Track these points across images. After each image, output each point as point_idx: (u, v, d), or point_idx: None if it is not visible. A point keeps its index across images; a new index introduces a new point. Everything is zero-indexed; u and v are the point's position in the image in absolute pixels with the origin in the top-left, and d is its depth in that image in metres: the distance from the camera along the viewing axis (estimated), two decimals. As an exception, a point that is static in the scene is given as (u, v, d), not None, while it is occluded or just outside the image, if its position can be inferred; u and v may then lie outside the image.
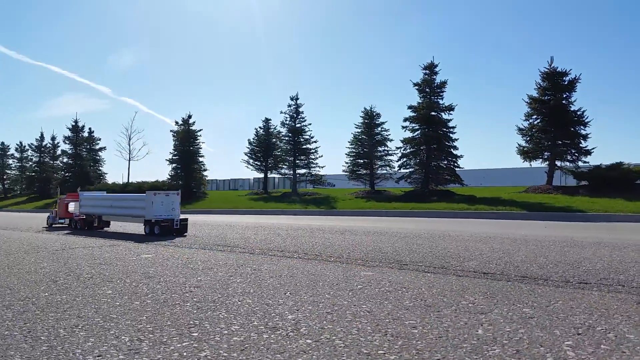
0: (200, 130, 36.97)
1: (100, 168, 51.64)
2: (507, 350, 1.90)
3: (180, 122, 37.23)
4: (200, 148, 37.08)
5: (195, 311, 2.64)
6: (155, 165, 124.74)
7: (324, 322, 2.35)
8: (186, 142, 36.21)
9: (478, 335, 2.12)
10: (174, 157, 36.91)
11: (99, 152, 51.23)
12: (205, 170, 37.54)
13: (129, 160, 43.87)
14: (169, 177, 37.18)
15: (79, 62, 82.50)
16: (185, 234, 7.88)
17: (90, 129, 50.19)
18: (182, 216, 8.28)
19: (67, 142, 47.19)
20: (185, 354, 1.93)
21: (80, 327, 2.36)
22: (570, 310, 2.57)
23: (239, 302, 2.80)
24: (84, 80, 77.69)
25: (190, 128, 36.74)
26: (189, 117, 36.69)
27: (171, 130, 37.47)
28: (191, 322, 2.42)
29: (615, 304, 2.71)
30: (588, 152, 24.87)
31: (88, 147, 50.34)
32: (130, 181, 43.92)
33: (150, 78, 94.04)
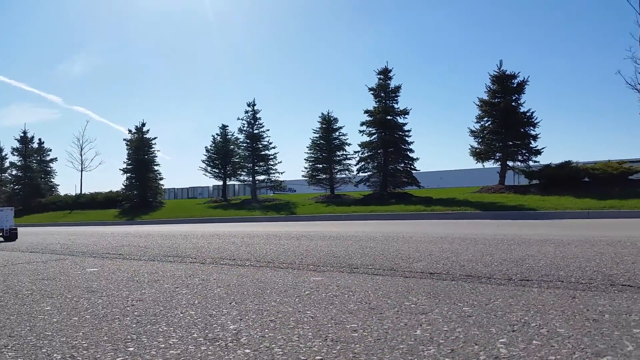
0: (155, 138, 36.22)
1: (52, 180, 49.89)
2: (442, 350, 1.93)
3: (133, 131, 36.38)
4: (156, 156, 36.34)
5: (134, 325, 2.56)
6: (110, 175, 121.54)
7: (266, 330, 2.33)
8: (140, 150, 35.41)
9: (416, 336, 2.14)
10: (128, 167, 36.00)
11: (50, 164, 49.51)
12: (161, 179, 36.78)
13: (82, 171, 42.63)
14: (124, 187, 36.24)
15: (27, 70, 79.60)
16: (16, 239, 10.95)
17: (40, 139, 48.40)
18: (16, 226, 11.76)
19: (16, 153, 45.34)
20: (117, 370, 1.87)
21: (10, 347, 2.25)
22: (509, 307, 2.64)
23: (181, 314, 2.74)
24: (33, 90, 75.04)
25: (144, 136, 35.96)
26: (143, 125, 35.91)
27: (124, 139, 36.56)
28: (128, 336, 2.35)
29: (552, 300, 2.80)
30: (538, 152, 25.80)
31: (38, 158, 48.56)
32: (83, 192, 42.61)
33: (102, 86, 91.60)
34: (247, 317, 2.59)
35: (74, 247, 8.16)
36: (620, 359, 1.78)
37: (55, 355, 2.10)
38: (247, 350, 2.03)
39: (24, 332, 2.51)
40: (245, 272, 4.31)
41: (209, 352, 2.03)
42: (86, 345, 2.24)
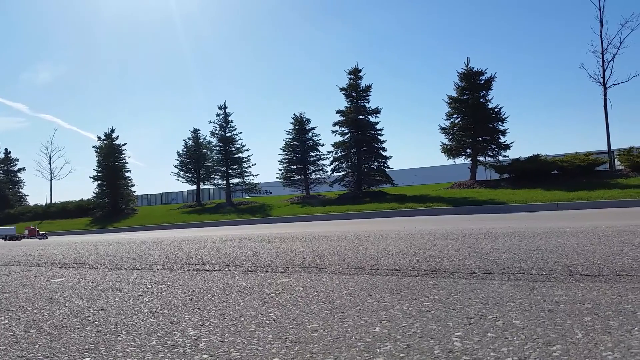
0: (125, 144, 35.75)
1: (20, 190, 48.76)
2: (399, 346, 1.95)
3: (102, 137, 35.74)
4: (126, 163, 35.89)
5: (93, 335, 2.51)
6: (80, 183, 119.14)
7: (226, 334, 2.31)
8: (110, 157, 34.85)
9: (374, 333, 2.15)
10: (98, 174, 35.36)
11: (18, 174, 48.38)
12: (132, 185, 36.32)
13: (51, 180, 41.77)
14: (94, 194, 35.57)
15: (-10, 78, 77.37)
16: None
17: (6, 149, 47.25)
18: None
19: (-19, 164, 44.06)
20: (70, 383, 1.83)
21: (-41, 365, 2.18)
22: (468, 301, 2.68)
23: (142, 322, 2.70)
24: (-3, 98, 73.05)
25: (114, 142, 35.39)
26: (112, 131, 35.35)
27: (94, 146, 35.93)
28: (86, 346, 2.30)
29: (511, 292, 2.86)
30: (507, 147, 26.32)
31: (5, 168, 47.35)
32: (53, 202, 41.72)
33: (69, 92, 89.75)
34: (208, 323, 2.57)
35: (40, 258, 7.96)
36: (569, 347, 1.82)
37: (7, 370, 2.05)
38: (205, 356, 2.01)
39: (-24, 348, 2.44)
40: (213, 277, 4.27)
41: (166, 359, 2.00)
42: (41, 357, 2.18)
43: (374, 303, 2.77)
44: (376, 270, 3.98)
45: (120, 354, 2.14)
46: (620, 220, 8.60)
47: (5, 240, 19.12)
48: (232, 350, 2.06)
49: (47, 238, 20.03)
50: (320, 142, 32.97)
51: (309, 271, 4.23)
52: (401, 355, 1.84)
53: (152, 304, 3.24)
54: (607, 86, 24.35)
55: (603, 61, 24.41)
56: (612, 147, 24.78)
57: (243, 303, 3.02)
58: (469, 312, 2.43)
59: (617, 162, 24.36)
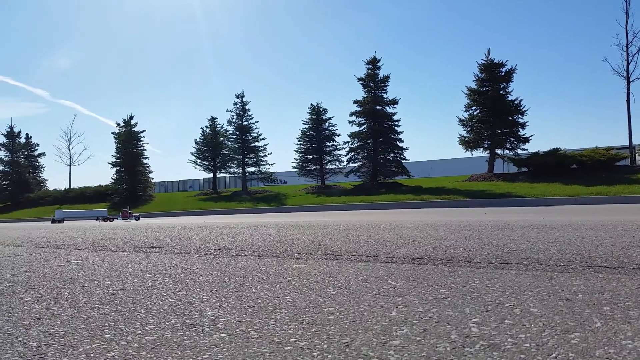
0: (143, 131, 36.09)
1: (40, 175, 49.56)
2: (415, 330, 1.95)
3: (121, 124, 36.13)
4: (144, 150, 36.27)
5: (113, 313, 2.56)
6: (98, 169, 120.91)
7: (244, 315, 2.34)
8: (129, 144, 35.24)
9: (391, 317, 2.16)
10: (116, 160, 35.80)
11: (38, 159, 49.16)
12: (150, 172, 36.71)
13: (70, 166, 42.48)
14: (113, 180, 36.06)
15: (12, 64, 78.59)
16: None
17: (27, 134, 48.04)
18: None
19: (3, 149, 44.92)
20: (93, 355, 1.87)
21: (-15, 337, 2.24)
22: (485, 289, 2.67)
23: (161, 302, 2.74)
24: (19, 84, 74.23)
25: (133, 129, 35.76)
26: (131, 118, 35.70)
27: (112, 133, 36.35)
28: (106, 324, 2.35)
29: (528, 281, 2.84)
30: (526, 140, 25.99)
31: (26, 153, 48.15)
32: (72, 187, 42.36)
33: (89, 79, 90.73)
34: (226, 304, 2.60)
35: (60, 241, 8.12)
36: (587, 335, 1.81)
37: (30, 343, 2.10)
38: (223, 335, 2.04)
39: (1, 322, 2.50)
40: (229, 261, 4.32)
41: (185, 337, 2.04)
42: (63, 333, 2.23)
43: (390, 289, 2.77)
44: (392, 258, 3.98)
45: (140, 332, 2.18)
46: (641, 216, 8.46)
47: (99, 222, 19.75)
48: (249, 330, 2.09)
49: (139, 219, 20.91)
50: (337, 132, 32.97)
51: (324, 258, 4.25)
52: (418, 338, 1.85)
53: (171, 285, 3.29)
54: (630, 80, 23.89)
55: (627, 54, 23.93)
56: (634, 142, 24.32)
57: (260, 286, 3.05)
58: (486, 299, 2.42)
59: (638, 158, 23.92)
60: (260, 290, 2.92)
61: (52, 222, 19.32)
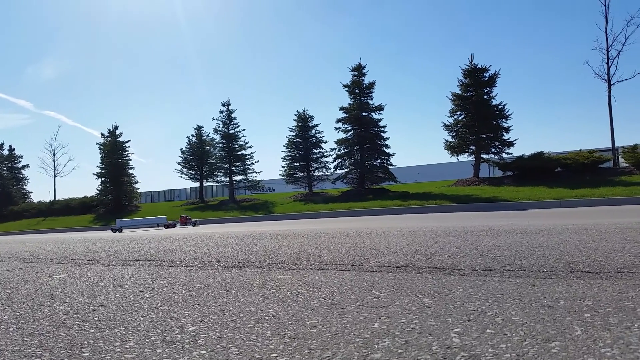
0: (129, 141, 35.81)
1: (24, 187, 48.85)
2: (397, 342, 1.94)
3: (106, 134, 35.81)
4: (130, 160, 35.89)
5: (93, 330, 2.52)
6: (84, 180, 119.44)
7: (225, 330, 2.31)
8: (114, 154, 34.94)
9: (373, 329, 2.15)
10: (102, 171, 35.46)
11: (22, 170, 48.48)
12: (136, 182, 36.36)
13: (55, 177, 41.90)
14: (98, 191, 35.69)
15: (-6, 75, 77.57)
16: None
17: (10, 146, 47.38)
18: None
19: (-14, 162, 44.24)
20: (68, 377, 1.83)
21: (-42, 360, 2.18)
22: (468, 297, 2.67)
23: (142, 318, 2.70)
24: (2, 95, 73.29)
25: (117, 139, 35.48)
26: (116, 128, 35.41)
27: (97, 143, 36.01)
28: (85, 342, 2.31)
29: (511, 289, 2.85)
30: (511, 144, 26.22)
31: (9, 165, 47.45)
32: (57, 199, 41.84)
33: (74, 89, 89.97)
34: (208, 319, 2.57)
35: (43, 255, 7.99)
36: (568, 344, 1.81)
37: (6, 365, 2.05)
38: (203, 352, 2.01)
39: (-24, 343, 2.44)
40: (214, 273, 4.28)
41: (164, 355, 2.00)
42: (40, 352, 2.19)
43: (374, 299, 2.76)
44: (377, 267, 3.97)
45: (119, 350, 2.14)
46: (623, 218, 8.56)
47: (165, 228, 19.93)
48: (230, 346, 2.06)
49: (197, 225, 21.11)
50: (324, 139, 32.96)
51: (309, 268, 4.23)
52: (399, 351, 1.84)
53: (153, 300, 3.24)
54: (611, 83, 24.22)
55: (608, 58, 24.27)
56: (616, 144, 24.67)
57: (243, 299, 3.02)
58: (469, 308, 2.42)
59: (621, 160, 24.25)
60: (244, 303, 2.89)
61: (112, 232, 19.28)
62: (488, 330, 2.03)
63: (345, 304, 2.70)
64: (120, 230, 20.40)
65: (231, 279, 3.88)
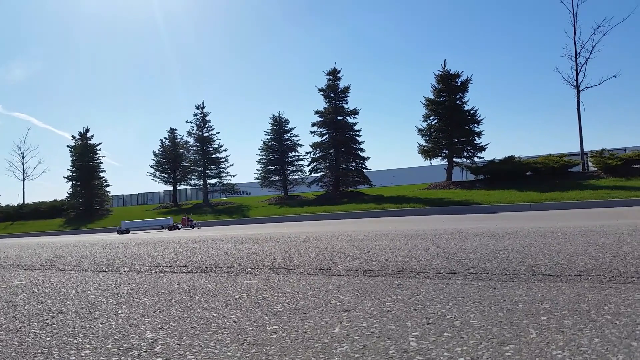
0: (100, 144, 35.14)
1: (-8, 190, 47.39)
2: (355, 346, 1.94)
3: (77, 137, 35.11)
4: (101, 163, 35.28)
5: (49, 338, 2.45)
6: (54, 183, 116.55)
7: (184, 337, 2.28)
8: (85, 157, 34.26)
9: (333, 334, 2.15)
10: (72, 174, 34.72)
11: (-11, 174, 47.03)
12: (107, 185, 35.74)
13: (24, 180, 40.89)
14: (68, 195, 34.92)
15: (-40, 76, 75.34)
16: None
17: (-24, 149, 45.87)
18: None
19: (-50, 164, 42.89)
20: (17, 388, 1.78)
21: None
22: (430, 300, 2.69)
23: (101, 325, 2.64)
24: (-33, 96, 71.16)
25: (89, 142, 34.83)
26: (87, 130, 34.76)
27: (68, 146, 35.26)
28: (39, 350, 2.24)
29: (472, 292, 2.88)
30: (482, 148, 26.65)
31: (-25, 168, 46.07)
32: (26, 202, 40.82)
33: (46, 90, 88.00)
34: (168, 326, 2.53)
35: (6, 260, 7.77)
36: (522, 346, 1.84)
37: (-48, 377, 1.98)
38: (159, 359, 1.97)
39: None
40: (179, 279, 4.22)
41: (119, 363, 1.96)
42: (-10, 363, 2.12)
43: (338, 304, 2.76)
44: (344, 271, 3.98)
45: (74, 358, 2.09)
46: (590, 221, 8.77)
47: (168, 230, 19.23)
48: (187, 353, 2.03)
49: (199, 227, 20.45)
50: (299, 142, 32.99)
51: (277, 272, 4.21)
52: (356, 356, 1.84)
53: (114, 306, 3.18)
54: (580, 89, 24.84)
55: (577, 64, 24.89)
56: (585, 149, 25.28)
57: (206, 305, 2.98)
58: (429, 311, 2.44)
59: (590, 164, 24.85)
60: (206, 309, 2.86)
61: (118, 233, 18.61)
62: (445, 334, 2.05)
63: (309, 308, 2.69)
64: (127, 232, 19.81)
65: (196, 284, 3.83)
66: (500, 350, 1.81)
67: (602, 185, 19.79)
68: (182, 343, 2.18)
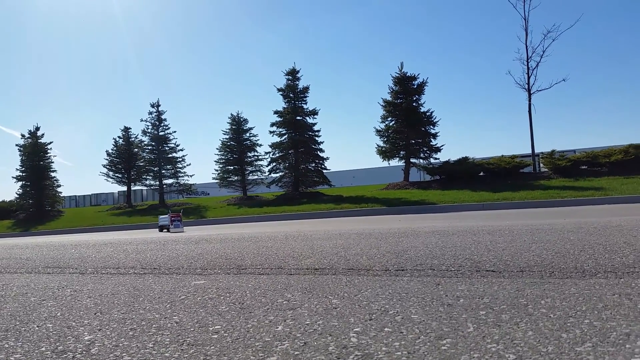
0: (51, 142, 33.84)
1: None
2: (296, 344, 1.94)
3: (27, 135, 33.71)
4: (52, 162, 33.93)
5: (-22, 344, 2.33)
6: (2, 183, 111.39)
7: (122, 339, 2.21)
8: (35, 156, 32.92)
9: (276, 332, 2.13)
10: (21, 174, 33.31)
11: None
12: (59, 186, 34.40)
13: (-33, 180, 38.82)
14: (17, 196, 33.47)
15: None
16: None
17: None
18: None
19: None
20: (-63, 396, 1.68)
21: None
22: (375, 297, 2.72)
23: (37, 328, 2.54)
24: None
25: (39, 141, 33.47)
26: (37, 129, 33.43)
27: (17, 145, 33.80)
28: (-34, 357, 2.13)
29: (417, 288, 2.93)
30: (438, 150, 27.18)
31: None
32: (-30, 203, 38.77)
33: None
34: (107, 327, 2.46)
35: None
36: (458, 340, 1.87)
37: None
38: (94, 361, 1.91)
39: None
40: (125, 280, 4.10)
41: (51, 367, 1.89)
42: None
43: (284, 302, 2.75)
44: (295, 270, 3.97)
45: (3, 363, 2.00)
46: (538, 220, 9.08)
47: (159, 231, 16.36)
48: (124, 354, 1.97)
49: (180, 228, 16.44)
50: (258, 142, 32.71)
51: (227, 272, 4.16)
52: (296, 353, 1.83)
53: (54, 308, 3.06)
54: (531, 92, 25.67)
55: (528, 68, 25.71)
56: (536, 150, 26.15)
57: (149, 307, 2.91)
58: (373, 307, 2.46)
59: (541, 165, 25.73)
60: (149, 311, 2.79)
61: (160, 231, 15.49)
62: (386, 329, 2.07)
63: (254, 308, 2.67)
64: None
65: (142, 286, 3.74)
66: (437, 344, 1.84)
67: (552, 185, 20.53)
68: (120, 344, 2.12)
